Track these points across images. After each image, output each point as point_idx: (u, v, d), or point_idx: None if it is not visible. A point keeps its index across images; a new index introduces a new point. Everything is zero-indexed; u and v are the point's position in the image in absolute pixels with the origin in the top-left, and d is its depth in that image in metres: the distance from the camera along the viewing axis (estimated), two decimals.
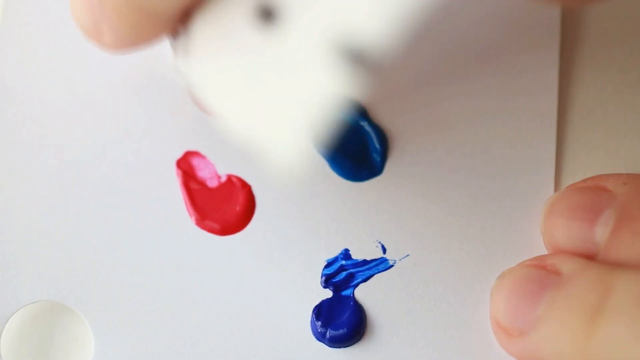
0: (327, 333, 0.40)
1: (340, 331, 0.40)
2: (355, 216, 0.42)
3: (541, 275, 0.37)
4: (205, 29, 0.33)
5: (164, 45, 0.42)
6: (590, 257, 0.37)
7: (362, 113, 0.43)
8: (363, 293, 0.41)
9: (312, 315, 0.41)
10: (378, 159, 0.42)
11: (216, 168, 0.42)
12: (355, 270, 0.41)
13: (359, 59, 0.29)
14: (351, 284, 0.41)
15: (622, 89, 0.42)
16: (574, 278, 0.36)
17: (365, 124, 0.43)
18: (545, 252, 0.39)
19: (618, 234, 0.36)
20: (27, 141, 0.42)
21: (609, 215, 0.37)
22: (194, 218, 0.41)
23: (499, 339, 0.39)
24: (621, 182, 0.37)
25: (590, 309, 0.35)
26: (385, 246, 0.41)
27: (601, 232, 0.37)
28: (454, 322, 0.40)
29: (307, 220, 0.42)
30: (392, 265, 0.41)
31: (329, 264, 0.41)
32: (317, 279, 0.41)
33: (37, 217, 0.41)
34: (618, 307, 0.34)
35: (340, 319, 0.40)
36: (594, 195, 0.37)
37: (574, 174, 0.42)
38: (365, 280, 0.41)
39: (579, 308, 0.35)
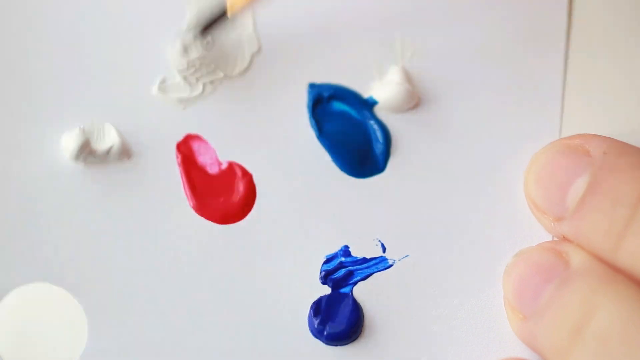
0: (325, 330, 0.39)
1: (338, 329, 0.39)
2: (357, 213, 0.41)
3: (551, 263, 0.37)
4: None
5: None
6: (559, 219, 0.38)
7: (367, 109, 0.42)
8: (361, 291, 0.40)
9: (310, 311, 0.40)
10: (381, 156, 0.42)
11: (217, 154, 0.41)
12: (355, 267, 0.40)
13: None
14: (350, 282, 0.40)
15: (626, 87, 0.43)
16: (575, 280, 0.37)
17: (369, 120, 0.42)
18: None
19: (585, 204, 0.37)
20: (23, 122, 0.40)
21: (583, 182, 0.38)
22: (192, 204, 0.40)
23: (507, 314, 0.40)
24: (602, 150, 0.38)
25: (575, 325, 0.36)
26: (386, 245, 0.41)
27: (572, 198, 0.38)
28: (452, 323, 0.40)
29: (308, 214, 0.41)
30: (391, 265, 0.41)
31: (328, 260, 0.40)
32: (316, 275, 0.40)
33: (33, 199, 0.39)
34: (591, 338, 0.35)
35: (338, 316, 0.40)
36: (575, 159, 0.38)
37: None
38: (364, 279, 0.40)
39: (568, 321, 0.36)
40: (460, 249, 0.41)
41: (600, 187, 0.37)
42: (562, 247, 0.38)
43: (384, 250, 0.41)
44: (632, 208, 0.36)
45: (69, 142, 0.39)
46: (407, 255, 0.41)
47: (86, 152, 0.39)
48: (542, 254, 0.38)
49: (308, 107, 0.42)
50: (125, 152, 0.40)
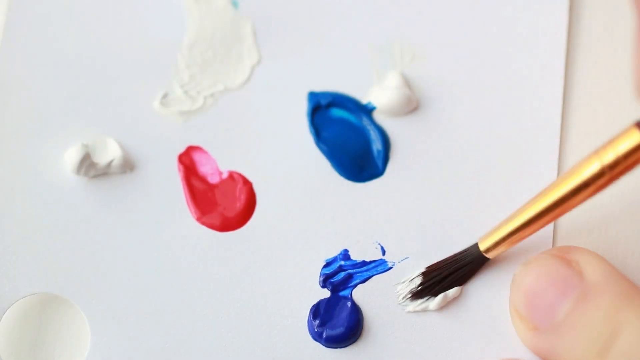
0: (324, 333, 0.40)
1: (337, 331, 0.40)
2: (356, 217, 0.42)
3: (565, 275, 0.37)
4: None
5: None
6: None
7: (365, 114, 0.43)
8: (361, 294, 0.41)
9: (309, 314, 0.40)
10: (380, 160, 0.42)
11: (218, 164, 0.42)
12: (354, 271, 0.41)
13: None
14: (349, 285, 0.41)
15: (626, 86, 0.43)
16: (595, 295, 0.36)
17: (368, 125, 0.43)
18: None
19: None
20: (28, 134, 0.42)
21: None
22: (194, 213, 0.41)
23: (514, 323, 0.39)
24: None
25: (602, 342, 0.35)
26: (385, 248, 0.41)
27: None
28: (452, 324, 0.40)
29: (308, 219, 0.41)
30: (391, 267, 0.41)
31: (328, 264, 0.41)
32: (316, 279, 0.41)
33: (37, 211, 0.41)
34: (619, 355, 0.35)
35: (337, 319, 0.40)
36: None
37: None
38: (363, 282, 0.41)
39: (593, 338, 0.35)
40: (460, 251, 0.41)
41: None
42: (571, 255, 0.38)
43: (384, 252, 0.41)
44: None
45: (71, 156, 0.41)
46: (406, 258, 0.41)
47: (87, 165, 0.41)
48: (552, 263, 0.38)
49: (307, 114, 0.43)
50: (127, 165, 0.41)
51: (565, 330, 0.36)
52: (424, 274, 0.40)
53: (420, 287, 0.40)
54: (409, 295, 0.40)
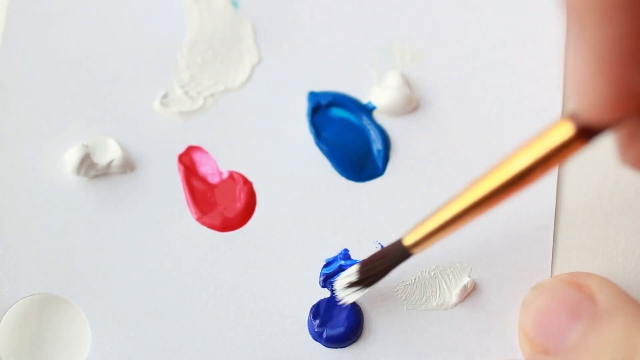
0: (324, 333, 0.40)
1: (337, 331, 0.40)
2: (356, 216, 0.42)
3: (576, 299, 0.37)
4: None
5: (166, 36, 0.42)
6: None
7: (365, 113, 0.43)
8: None
9: (310, 314, 0.40)
10: (380, 159, 0.42)
11: (218, 164, 0.42)
12: None
13: None
14: None
15: None
16: (607, 319, 0.36)
17: (368, 125, 0.43)
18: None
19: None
20: (28, 134, 0.42)
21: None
22: (194, 213, 0.41)
23: (521, 345, 0.39)
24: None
25: None
26: None
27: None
28: (452, 324, 0.40)
29: (308, 219, 0.41)
30: None
31: (328, 264, 0.41)
32: (316, 279, 0.41)
33: (37, 210, 0.41)
34: None
35: (338, 319, 0.40)
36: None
37: (579, 174, 0.42)
38: None
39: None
40: (459, 250, 0.41)
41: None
42: (582, 280, 0.38)
43: None
44: None
45: (71, 156, 0.41)
46: None
47: (87, 165, 0.41)
48: (562, 287, 0.38)
49: (307, 114, 0.43)
50: (127, 165, 0.41)
51: (578, 354, 0.36)
52: (360, 265, 0.39)
53: (357, 279, 0.39)
54: (346, 286, 0.39)
